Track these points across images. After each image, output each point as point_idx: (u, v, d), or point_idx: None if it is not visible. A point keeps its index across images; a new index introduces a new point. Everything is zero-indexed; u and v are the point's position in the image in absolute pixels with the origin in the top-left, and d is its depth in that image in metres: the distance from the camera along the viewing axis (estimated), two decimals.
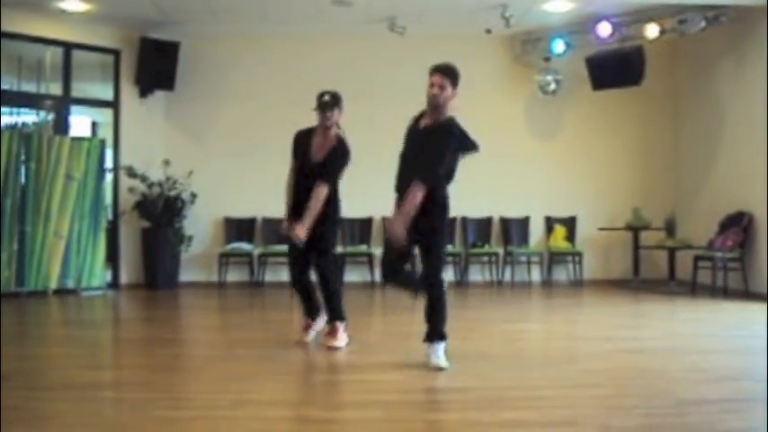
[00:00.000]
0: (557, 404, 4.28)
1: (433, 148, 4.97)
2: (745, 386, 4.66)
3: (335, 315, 6.00)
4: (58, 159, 9.76)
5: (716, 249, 9.51)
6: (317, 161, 5.80)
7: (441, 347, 5.11)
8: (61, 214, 9.74)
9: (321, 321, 6.15)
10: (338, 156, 5.82)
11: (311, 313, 6.16)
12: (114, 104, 10.91)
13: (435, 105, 5.02)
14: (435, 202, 5.03)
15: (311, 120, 5.90)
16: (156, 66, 10.55)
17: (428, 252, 5.12)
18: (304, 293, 6.12)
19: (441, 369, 4.99)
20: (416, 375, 4.93)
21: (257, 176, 10.68)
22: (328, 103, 5.76)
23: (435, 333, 5.12)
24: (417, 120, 5.20)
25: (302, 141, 5.90)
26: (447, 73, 5.03)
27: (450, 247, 11.06)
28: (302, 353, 5.81)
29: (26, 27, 9.87)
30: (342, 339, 5.94)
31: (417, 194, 4.91)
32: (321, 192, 5.73)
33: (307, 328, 6.15)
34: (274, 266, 10.75)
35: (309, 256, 5.90)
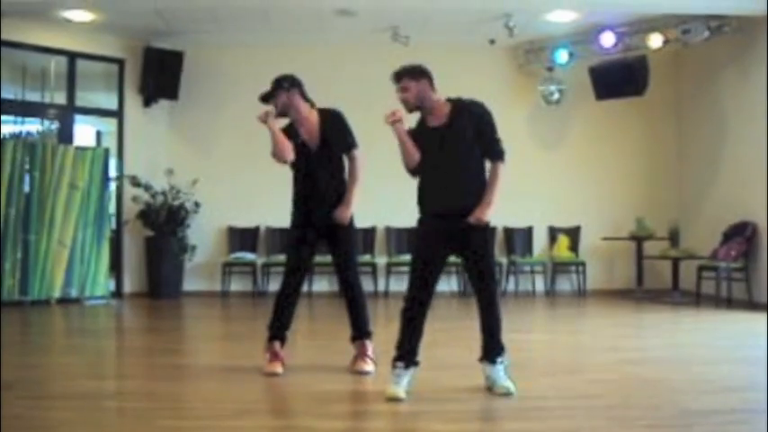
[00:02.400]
0: (560, 415, 4.26)
1: (491, 128, 4.71)
2: (750, 397, 4.64)
3: (365, 332, 5.48)
4: (62, 168, 9.78)
5: (720, 259, 9.48)
6: (317, 145, 5.31)
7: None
8: (65, 223, 9.76)
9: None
10: (338, 122, 5.37)
11: (284, 337, 5.42)
12: (118, 114, 10.94)
13: (411, 108, 4.72)
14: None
15: None
16: (161, 75, 10.59)
17: (483, 257, 4.73)
18: (291, 310, 5.45)
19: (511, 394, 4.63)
20: (420, 385, 4.91)
21: (261, 186, 10.69)
22: (268, 93, 5.43)
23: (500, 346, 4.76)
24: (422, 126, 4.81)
25: (294, 131, 5.38)
26: (402, 75, 4.71)
27: (453, 258, 11.03)
28: (306, 362, 5.79)
29: (31, 36, 9.90)
30: (372, 360, 5.41)
31: (502, 177, 4.68)
32: (359, 160, 5.33)
33: (277, 356, 5.35)
34: (278, 276, 10.68)
35: (337, 259, 5.48)
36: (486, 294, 4.72)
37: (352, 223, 5.47)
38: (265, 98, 5.40)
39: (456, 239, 4.69)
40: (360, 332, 5.48)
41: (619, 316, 8.99)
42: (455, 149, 4.64)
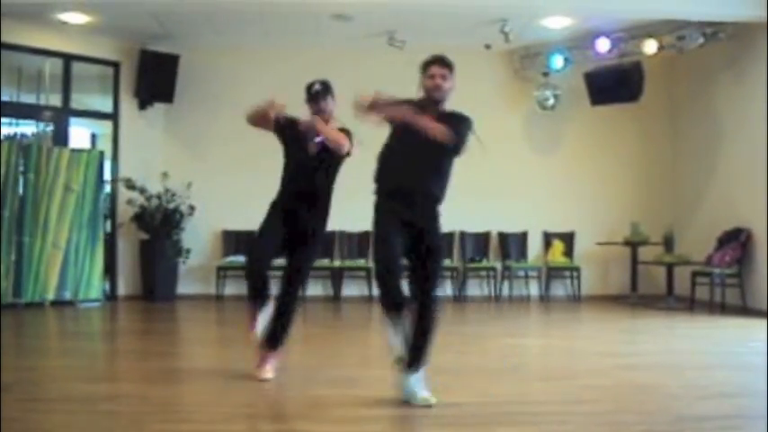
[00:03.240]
0: (554, 420, 4.27)
1: (463, 124, 4.61)
2: (744, 403, 4.66)
3: (283, 341, 5.36)
4: (57, 171, 9.76)
5: (714, 265, 9.51)
6: (314, 153, 5.25)
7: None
8: (59, 225, 9.73)
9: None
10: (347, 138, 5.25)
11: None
12: (113, 116, 10.92)
13: (439, 99, 4.60)
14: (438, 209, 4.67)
15: None
16: (156, 78, 10.57)
17: (433, 264, 4.58)
18: (264, 302, 5.33)
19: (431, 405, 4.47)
20: None
21: (256, 189, 10.55)
22: (320, 91, 5.28)
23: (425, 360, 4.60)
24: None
25: (291, 130, 5.33)
26: (449, 64, 4.63)
27: (447, 262, 11.05)
28: (300, 366, 5.79)
29: (26, 38, 9.88)
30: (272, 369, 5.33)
31: (437, 126, 4.45)
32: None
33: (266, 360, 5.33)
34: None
35: (293, 255, 5.29)
36: (427, 300, 4.54)
37: (324, 222, 5.40)
38: (317, 95, 5.28)
39: (410, 231, 4.54)
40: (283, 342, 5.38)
41: (613, 321, 9.00)
42: (434, 151, 4.52)
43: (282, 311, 5.34)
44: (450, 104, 4.74)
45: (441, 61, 4.63)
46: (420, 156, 4.53)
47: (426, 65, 4.65)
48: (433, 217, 4.63)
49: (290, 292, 5.42)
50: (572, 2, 9.27)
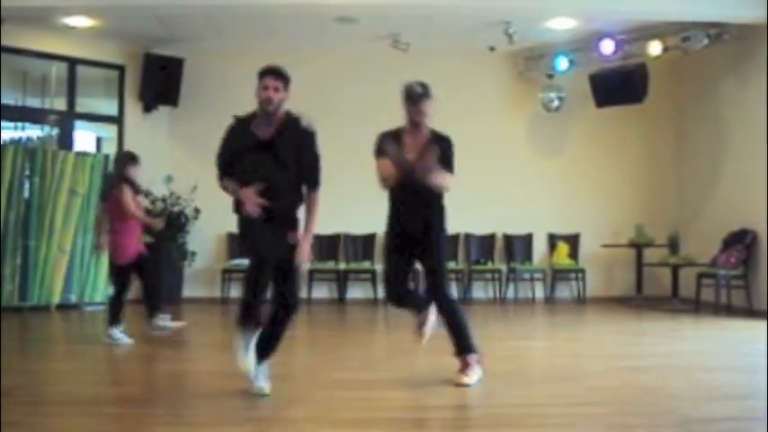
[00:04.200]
0: (560, 422, 4.25)
1: (313, 154, 4.77)
2: (751, 404, 4.63)
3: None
4: (62, 174, 9.78)
5: (719, 267, 9.49)
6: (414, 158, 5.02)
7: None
8: (65, 229, 9.75)
9: None
10: (450, 146, 5.10)
11: None
12: (118, 120, 10.95)
13: (270, 111, 4.76)
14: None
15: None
16: (161, 81, 10.60)
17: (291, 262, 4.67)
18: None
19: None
20: (420, 393, 4.91)
21: None
22: (422, 94, 5.07)
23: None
24: (244, 127, 4.99)
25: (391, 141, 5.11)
26: (282, 75, 4.77)
27: (453, 264, 11.05)
28: (306, 369, 5.79)
29: (31, 42, 9.91)
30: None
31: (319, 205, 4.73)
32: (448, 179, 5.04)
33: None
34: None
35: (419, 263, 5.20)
36: (287, 302, 4.66)
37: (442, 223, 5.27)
38: (419, 96, 5.06)
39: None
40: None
41: (618, 323, 8.98)
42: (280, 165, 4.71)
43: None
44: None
45: (275, 73, 4.74)
46: None
47: (261, 75, 4.77)
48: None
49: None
50: (576, 4, 9.27)
